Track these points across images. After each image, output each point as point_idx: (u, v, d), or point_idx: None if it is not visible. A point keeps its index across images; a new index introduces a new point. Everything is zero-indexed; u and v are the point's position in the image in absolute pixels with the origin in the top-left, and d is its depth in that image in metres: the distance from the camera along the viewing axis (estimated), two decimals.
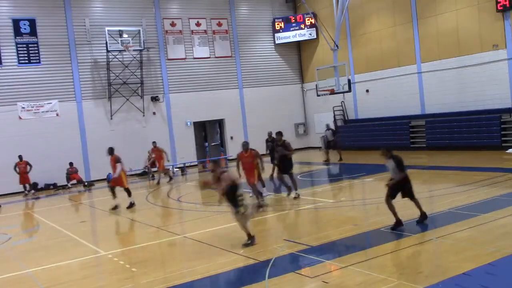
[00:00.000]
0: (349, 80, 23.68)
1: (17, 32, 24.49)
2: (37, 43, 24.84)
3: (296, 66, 32.52)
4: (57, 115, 25.06)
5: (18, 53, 24.47)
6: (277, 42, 31.52)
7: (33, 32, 24.77)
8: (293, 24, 31.22)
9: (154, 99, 27.53)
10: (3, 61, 24.13)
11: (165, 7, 28.35)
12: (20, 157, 22.58)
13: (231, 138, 29.36)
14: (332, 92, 24.36)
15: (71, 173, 24.19)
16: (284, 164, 14.80)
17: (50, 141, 24.48)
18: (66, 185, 24.06)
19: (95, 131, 25.74)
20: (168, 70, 28.17)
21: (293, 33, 31.27)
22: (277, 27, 31.37)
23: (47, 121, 24.76)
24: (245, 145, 14.23)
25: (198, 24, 29.29)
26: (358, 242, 9.50)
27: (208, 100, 28.96)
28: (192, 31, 29.08)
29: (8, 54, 24.27)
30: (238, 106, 30.21)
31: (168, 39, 28.30)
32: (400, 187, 9.99)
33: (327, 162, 23.49)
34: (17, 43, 24.45)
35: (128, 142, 25.77)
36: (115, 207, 15.83)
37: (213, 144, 30.05)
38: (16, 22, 24.48)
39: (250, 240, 9.78)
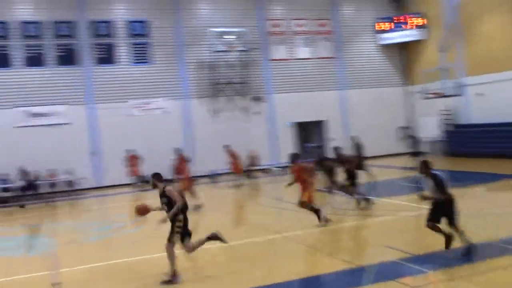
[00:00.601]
0: (459, 83, 22.49)
1: (131, 33, 26.10)
2: (149, 44, 26.31)
3: (400, 68, 31.51)
4: (164, 112, 26.35)
5: (131, 53, 26.09)
6: (380, 43, 30.77)
7: (145, 33, 26.27)
8: (398, 24, 30.28)
9: (257, 99, 28.03)
10: (118, 60, 25.84)
11: (268, 8, 28.75)
12: (129, 151, 24.00)
13: (332, 139, 29.07)
14: (440, 96, 23.29)
15: (177, 167, 25.24)
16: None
17: (158, 137, 25.75)
18: (171, 179, 25.16)
19: (200, 128, 26.72)
20: (271, 70, 28.54)
21: (398, 33, 30.34)
22: (381, 27, 30.61)
23: (155, 117, 26.11)
24: (292, 157, 12.82)
25: (300, 25, 29.37)
26: (464, 254, 9.02)
27: (309, 101, 28.94)
28: (295, 32, 29.22)
29: (123, 54, 25.94)
30: (339, 108, 29.90)
31: (271, 39, 28.67)
32: (444, 210, 8.50)
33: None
34: (131, 44, 26.07)
35: (230, 140, 26.41)
36: (197, 207, 15.85)
37: (313, 145, 29.96)
38: (130, 24, 26.11)
39: (172, 278, 8.47)
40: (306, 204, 12.24)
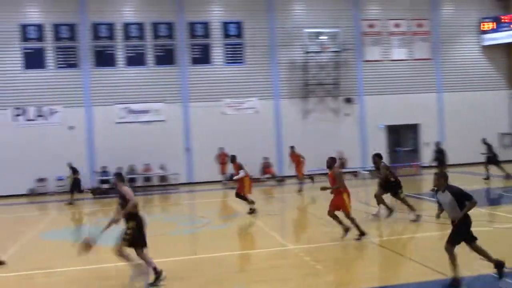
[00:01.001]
0: None
1: (226, 34, 26.72)
2: (242, 44, 26.78)
3: (505, 70, 29.55)
4: (256, 112, 26.68)
5: (225, 54, 26.70)
6: (484, 44, 29.04)
7: (239, 34, 26.77)
8: (504, 24, 28.41)
9: (348, 100, 27.56)
10: (212, 60, 26.55)
11: (364, 8, 28.16)
12: (221, 149, 24.56)
13: (427, 144, 27.88)
14: None
15: (266, 167, 25.64)
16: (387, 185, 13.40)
17: (248, 136, 26.09)
18: (260, 178, 25.48)
19: (290, 128, 26.75)
20: (363, 72, 27.95)
21: (504, 34, 28.47)
22: (485, 27, 28.87)
23: (247, 117, 26.50)
24: (328, 161, 11.63)
25: (397, 25, 28.47)
26: None
27: (403, 103, 27.95)
28: (390, 32, 28.39)
29: (217, 54, 26.61)
30: (435, 111, 28.61)
31: (366, 40, 28.06)
32: (464, 229, 7.55)
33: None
34: (225, 44, 26.69)
35: (320, 141, 26.19)
36: (251, 211, 15.42)
37: (405, 149, 28.91)
38: (225, 25, 26.74)
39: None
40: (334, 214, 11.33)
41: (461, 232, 7.56)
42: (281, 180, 25.32)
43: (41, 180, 24.49)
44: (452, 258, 7.53)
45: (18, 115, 24.60)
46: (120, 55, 25.67)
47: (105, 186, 24.40)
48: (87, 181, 24.40)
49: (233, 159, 16.25)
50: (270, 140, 26.60)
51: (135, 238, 8.55)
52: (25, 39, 24.76)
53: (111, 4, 25.72)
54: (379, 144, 27.56)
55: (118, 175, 9.21)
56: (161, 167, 25.11)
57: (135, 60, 25.78)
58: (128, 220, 8.63)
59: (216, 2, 27.07)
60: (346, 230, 11.10)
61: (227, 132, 25.84)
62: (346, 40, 27.18)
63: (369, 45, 28.11)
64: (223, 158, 24.39)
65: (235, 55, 26.78)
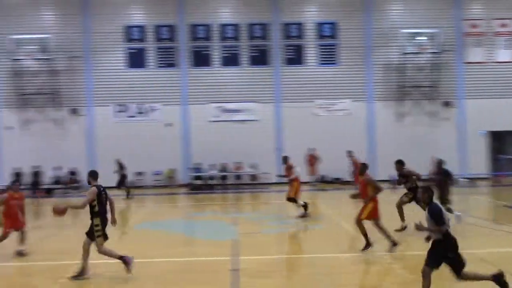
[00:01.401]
0: None
1: (320, 35, 26.57)
2: (337, 45, 26.50)
3: None
4: (348, 114, 26.28)
5: (319, 54, 26.56)
6: None
7: (334, 34, 26.51)
8: None
9: (447, 104, 26.35)
10: (305, 61, 26.52)
11: (466, 7, 26.81)
12: (311, 150, 24.47)
13: None
14: None
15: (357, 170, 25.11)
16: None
17: (339, 138, 25.76)
18: (350, 181, 25.04)
19: (383, 132, 26.10)
20: (464, 74, 26.59)
21: None
22: None
23: (338, 119, 26.19)
24: (360, 168, 11.59)
25: (503, 25, 26.79)
26: None
27: (508, 108, 26.24)
28: (495, 32, 26.77)
29: (311, 55, 26.54)
30: None
31: (467, 41, 26.68)
32: (443, 251, 6.95)
33: None
34: (319, 45, 26.55)
35: (414, 146, 25.28)
36: (302, 215, 15.21)
37: (509, 157, 27.10)
38: (320, 26, 26.60)
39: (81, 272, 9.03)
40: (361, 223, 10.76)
41: (439, 254, 6.99)
42: None
43: (139, 173, 25.78)
44: (426, 283, 6.95)
45: (120, 111, 26.09)
46: (216, 56, 26.40)
47: (198, 182, 25.23)
48: (181, 176, 25.44)
49: (284, 160, 15.99)
50: (362, 143, 26.09)
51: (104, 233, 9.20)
52: (129, 39, 26.21)
53: (208, 6, 26.50)
54: (480, 151, 26.15)
55: (92, 173, 9.69)
56: (252, 166, 25.51)
57: (230, 60, 26.38)
58: (93, 218, 9.19)
59: (311, 3, 27.05)
60: (367, 244, 10.59)
61: (318, 133, 25.70)
62: (446, 40, 26.03)
63: (471, 46, 26.71)
64: (312, 160, 24.27)
65: (329, 56, 26.57)
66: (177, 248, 12.10)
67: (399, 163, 13.15)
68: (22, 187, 24.23)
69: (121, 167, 22.17)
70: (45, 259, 10.92)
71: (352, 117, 26.31)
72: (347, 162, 24.80)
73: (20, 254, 10.87)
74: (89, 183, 9.64)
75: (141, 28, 26.35)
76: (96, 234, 9.16)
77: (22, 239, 11.05)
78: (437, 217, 6.99)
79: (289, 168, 15.57)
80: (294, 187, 15.35)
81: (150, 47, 26.35)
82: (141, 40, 26.32)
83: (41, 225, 16.66)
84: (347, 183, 25.22)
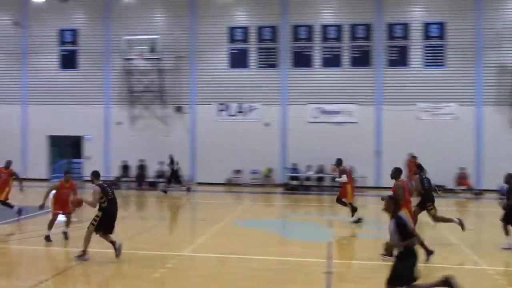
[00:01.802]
0: None
1: (427, 35, 25.50)
2: (444, 46, 25.28)
3: None
4: (454, 118, 24.98)
5: (424, 56, 25.51)
6: None
7: (441, 35, 25.32)
8: None
9: None
10: (410, 62, 25.58)
11: None
12: (411, 155, 23.47)
13: None
14: None
15: (461, 178, 23.90)
16: None
17: (444, 144, 24.57)
18: (455, 189, 23.84)
19: (492, 138, 24.49)
20: None
21: None
22: None
23: (444, 123, 24.97)
24: (392, 172, 11.33)
25: None
26: None
27: None
28: None
29: (416, 56, 25.55)
30: None
31: None
32: (406, 270, 6.54)
33: None
34: (425, 46, 25.49)
35: None
36: (357, 220, 14.87)
37: None
38: (426, 26, 25.53)
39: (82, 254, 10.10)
40: None
41: (400, 271, 6.62)
42: (478, 193, 23.35)
43: (237, 171, 26.34)
44: None
45: (221, 110, 26.81)
46: (317, 56, 26.27)
47: (295, 182, 25.27)
48: (278, 176, 25.65)
49: (338, 163, 15.61)
50: (468, 149, 24.68)
51: (101, 225, 10.21)
52: (232, 40, 26.84)
53: (311, 7, 26.42)
54: None
55: (95, 173, 10.59)
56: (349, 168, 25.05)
57: (331, 61, 26.13)
58: (98, 211, 10.27)
59: (417, 2, 26.04)
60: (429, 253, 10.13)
61: (420, 137, 24.69)
62: None
63: None
64: (412, 166, 23.28)
65: (435, 58, 25.42)
66: (272, 247, 12.18)
67: (419, 168, 12.84)
68: (128, 179, 26.06)
69: (171, 162, 23.04)
70: (146, 248, 11.48)
71: (459, 122, 24.96)
72: (451, 169, 23.70)
73: (65, 235, 12.24)
74: (92, 182, 10.51)
75: (244, 29, 26.88)
76: (91, 222, 10.28)
77: (68, 223, 12.40)
78: (404, 231, 6.72)
79: (342, 172, 15.33)
80: (347, 190, 15.10)
81: (252, 48, 26.79)
82: (243, 40, 26.85)
83: (144, 216, 17.57)
84: (450, 190, 24.02)
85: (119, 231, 11.76)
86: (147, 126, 27.35)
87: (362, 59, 25.92)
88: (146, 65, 26.98)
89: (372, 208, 19.32)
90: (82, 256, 10.16)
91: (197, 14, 27.01)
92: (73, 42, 28.05)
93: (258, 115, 26.50)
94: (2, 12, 28.51)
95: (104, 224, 10.26)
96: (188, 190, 23.20)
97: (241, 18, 27.11)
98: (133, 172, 26.32)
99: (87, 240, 10.22)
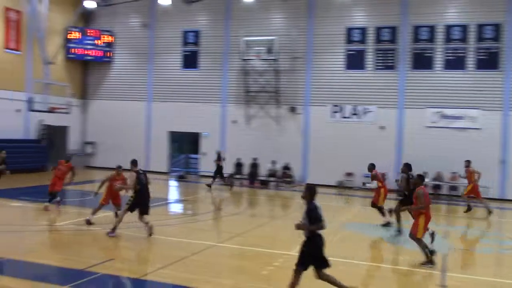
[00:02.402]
0: None
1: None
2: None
3: None
4: None
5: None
6: None
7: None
8: None
9: None
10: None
11: None
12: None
13: None
14: None
15: None
16: None
17: None
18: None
19: None
20: None
21: None
22: None
23: None
24: (414, 181, 11.19)
25: None
26: None
27: None
28: None
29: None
30: None
31: None
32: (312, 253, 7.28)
33: None
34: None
35: None
36: (386, 224, 14.86)
37: None
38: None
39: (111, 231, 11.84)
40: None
41: (307, 254, 7.29)
42: None
43: (349, 174, 25.94)
44: (295, 281, 7.20)
45: (335, 112, 26.56)
46: (439, 58, 25.04)
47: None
48: (392, 182, 24.82)
49: (370, 168, 15.50)
50: None
51: (134, 205, 11.85)
52: (349, 41, 26.47)
53: (433, 7, 25.23)
54: None
55: (133, 161, 12.15)
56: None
57: (454, 63, 24.77)
58: (133, 193, 11.87)
59: None
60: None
61: None
62: None
63: None
64: (469, 174, 20.96)
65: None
66: (383, 254, 11.83)
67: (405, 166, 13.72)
68: (240, 176, 26.76)
69: (218, 158, 22.99)
70: (255, 245, 11.70)
71: None
72: None
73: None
74: (131, 169, 12.03)
75: (362, 30, 26.38)
76: (126, 203, 11.99)
77: (116, 213, 13.28)
78: (312, 216, 7.21)
79: (374, 178, 15.32)
80: (379, 194, 15.14)
81: (370, 49, 26.21)
82: (361, 41, 26.35)
83: (254, 214, 17.94)
84: None
85: (231, 227, 12.10)
86: (261, 125, 27.90)
87: (488, 62, 24.25)
88: (262, 65, 27.51)
89: (494, 222, 18.02)
90: (112, 232, 11.81)
91: (314, 15, 27.01)
92: (195, 43, 29.41)
93: (373, 118, 25.87)
94: (133, 15, 30.65)
95: (137, 204, 11.87)
96: (231, 186, 23.79)
97: (359, 18, 26.63)
98: (246, 169, 26.98)
99: (120, 218, 11.92)
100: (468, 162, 18.82)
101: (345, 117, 26.44)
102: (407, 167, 13.81)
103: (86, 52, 30.43)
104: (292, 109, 27.28)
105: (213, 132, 28.82)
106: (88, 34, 30.39)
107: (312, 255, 7.32)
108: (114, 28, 30.91)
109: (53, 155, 28.72)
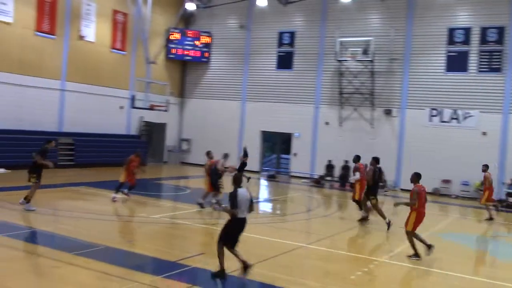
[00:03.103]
0: None
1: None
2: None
3: None
4: None
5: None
6: None
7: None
8: None
9: None
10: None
11: None
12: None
13: None
14: None
15: None
16: None
17: None
18: None
19: None
20: None
21: None
22: None
23: None
24: (411, 177, 11.41)
25: None
26: None
27: None
28: None
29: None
30: None
31: None
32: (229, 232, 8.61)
33: None
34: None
35: None
36: (361, 219, 15.08)
37: None
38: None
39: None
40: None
41: (225, 232, 8.58)
42: None
43: (445, 181, 24.77)
44: (220, 252, 8.50)
45: (433, 115, 25.46)
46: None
47: None
48: (497, 192, 23.28)
49: (355, 159, 15.97)
50: None
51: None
52: (451, 42, 25.25)
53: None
54: None
55: (208, 152, 15.90)
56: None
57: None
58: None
59: None
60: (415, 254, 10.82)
61: None
62: None
63: None
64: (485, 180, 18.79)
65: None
66: (480, 267, 11.17)
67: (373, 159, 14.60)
68: (330, 179, 26.46)
69: (245, 155, 22.18)
70: (344, 249, 11.51)
71: None
72: None
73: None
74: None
75: (465, 30, 25.03)
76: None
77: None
78: (230, 200, 8.44)
79: (357, 169, 15.61)
80: (358, 188, 15.46)
81: (474, 50, 24.82)
82: (464, 42, 25.01)
83: (344, 217, 17.65)
84: None
85: (320, 229, 11.98)
86: (354, 127, 27.41)
87: None
88: (358, 66, 26.99)
89: None
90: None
91: (414, 15, 26.07)
92: (290, 44, 29.51)
93: (475, 123, 24.49)
94: (231, 16, 31.37)
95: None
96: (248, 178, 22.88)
97: (462, 18, 25.31)
98: (337, 172, 26.62)
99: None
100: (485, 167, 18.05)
101: (443, 121, 25.25)
102: (375, 161, 14.64)
103: (185, 52, 31.62)
104: (387, 112, 26.53)
105: (305, 133, 28.75)
106: (188, 35, 31.56)
107: (228, 235, 8.55)
108: (212, 29, 31.83)
109: (151, 150, 30.18)
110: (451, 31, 25.27)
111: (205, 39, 31.75)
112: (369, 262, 10.47)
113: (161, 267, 9.08)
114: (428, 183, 24.40)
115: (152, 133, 30.66)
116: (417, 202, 10.82)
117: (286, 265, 9.96)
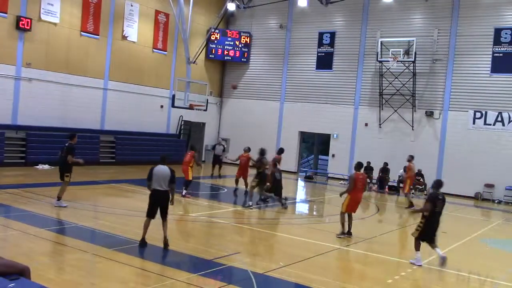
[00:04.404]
0: None
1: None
2: None
3: None
4: None
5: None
6: None
7: None
8: None
9: None
10: None
11: None
12: None
13: None
14: None
15: None
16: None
17: None
18: None
19: None
20: None
21: None
22: None
23: None
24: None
25: None
26: None
27: None
28: None
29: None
30: None
31: None
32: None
33: None
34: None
35: None
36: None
37: None
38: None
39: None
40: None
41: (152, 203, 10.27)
42: None
43: (489, 186, 24.10)
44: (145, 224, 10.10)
45: (477, 118, 24.80)
46: None
47: None
48: None
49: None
50: None
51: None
52: (497, 42, 24.51)
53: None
54: None
55: (261, 150, 16.74)
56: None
57: None
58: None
59: None
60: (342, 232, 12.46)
61: None
62: None
63: None
64: None
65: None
66: None
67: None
68: (369, 181, 26.10)
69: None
70: (382, 252, 11.35)
71: None
72: None
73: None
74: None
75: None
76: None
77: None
78: (171, 178, 10.11)
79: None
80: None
81: None
82: (510, 43, 24.22)
83: (381, 220, 17.41)
84: None
85: (357, 231, 11.87)
86: (394, 129, 26.98)
87: None
88: (399, 67, 26.53)
89: None
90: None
91: (459, 15, 25.44)
92: (330, 44, 29.28)
93: None
94: (271, 16, 31.38)
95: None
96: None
97: (510, 18, 24.53)
98: (376, 174, 26.25)
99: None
100: None
101: (487, 124, 24.55)
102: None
103: (225, 52, 31.83)
104: (429, 114, 25.99)
105: (344, 134, 28.49)
106: (228, 35, 31.76)
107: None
108: (251, 29, 31.94)
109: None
110: (498, 31, 24.53)
111: (245, 39, 31.89)
112: (408, 266, 10.29)
113: (197, 265, 9.17)
114: (469, 187, 24.16)
115: (191, 132, 31.00)
116: (352, 186, 12.31)
117: (322, 266, 9.90)
